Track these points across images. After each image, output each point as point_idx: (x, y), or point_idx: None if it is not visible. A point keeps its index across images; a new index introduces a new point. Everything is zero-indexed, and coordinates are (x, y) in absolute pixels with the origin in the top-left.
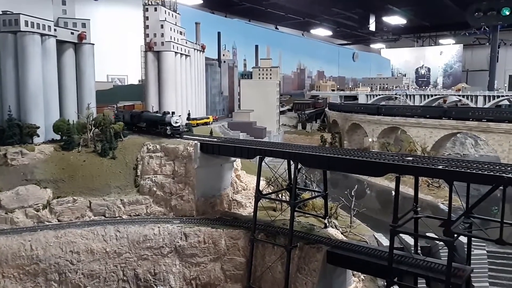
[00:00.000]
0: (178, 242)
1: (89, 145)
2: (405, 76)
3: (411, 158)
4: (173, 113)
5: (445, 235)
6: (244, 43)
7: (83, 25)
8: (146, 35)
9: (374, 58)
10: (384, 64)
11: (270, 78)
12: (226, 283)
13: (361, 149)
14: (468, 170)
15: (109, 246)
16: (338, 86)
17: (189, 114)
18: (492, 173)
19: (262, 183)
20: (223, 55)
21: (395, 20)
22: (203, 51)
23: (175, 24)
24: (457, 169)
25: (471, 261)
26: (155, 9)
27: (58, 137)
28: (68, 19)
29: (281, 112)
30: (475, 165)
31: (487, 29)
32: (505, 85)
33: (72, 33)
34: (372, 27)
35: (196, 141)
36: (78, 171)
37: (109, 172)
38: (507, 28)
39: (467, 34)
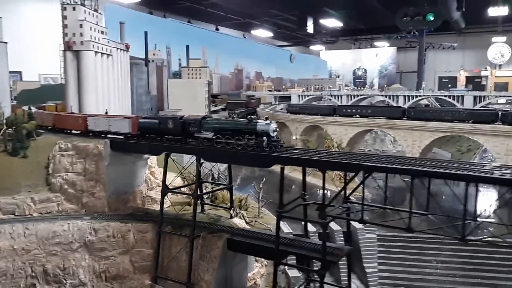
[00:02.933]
0: (87, 237)
1: (3, 145)
2: (338, 77)
3: (297, 151)
4: (266, 118)
5: (320, 218)
6: (179, 43)
7: None
8: (65, 34)
9: (311, 60)
10: (322, 66)
11: (200, 77)
12: (135, 274)
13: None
14: (338, 160)
15: (17, 243)
16: (274, 87)
17: (106, 112)
18: (355, 162)
19: (178, 179)
20: (154, 54)
21: (332, 22)
22: (127, 51)
23: (96, 24)
24: (330, 160)
25: (363, 245)
26: (74, 8)
27: None
28: None
29: (214, 112)
30: (346, 156)
31: (416, 33)
32: (435, 85)
33: None
34: (310, 29)
35: (106, 139)
36: None
37: (19, 171)
38: (436, 33)
39: (399, 37)
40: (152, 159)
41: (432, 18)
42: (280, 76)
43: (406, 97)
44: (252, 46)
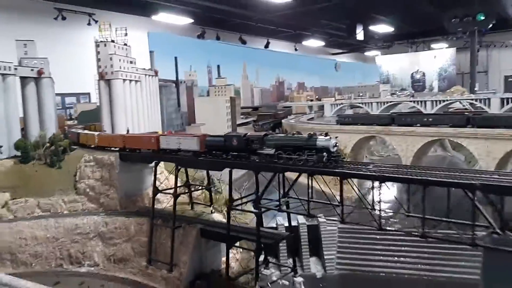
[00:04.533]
0: (100, 228)
1: (42, 158)
2: (384, 83)
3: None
4: (326, 134)
5: (255, 209)
6: (220, 62)
7: (42, 63)
8: (99, 67)
9: (359, 66)
10: (370, 72)
11: (225, 94)
12: (135, 257)
13: None
14: (270, 165)
15: (50, 233)
16: (317, 96)
17: (127, 131)
18: (272, 165)
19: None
20: (190, 75)
21: (383, 28)
22: (156, 75)
23: (126, 56)
24: (262, 164)
25: (324, 235)
26: (105, 45)
27: (18, 153)
28: (28, 59)
29: (245, 124)
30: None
31: (464, 35)
32: (501, 85)
33: (32, 70)
34: (359, 36)
35: (116, 152)
36: (31, 179)
37: (55, 179)
38: (497, 31)
39: (454, 38)
40: (159, 167)
41: (482, 18)
42: (325, 85)
43: (434, 102)
44: (294, 58)
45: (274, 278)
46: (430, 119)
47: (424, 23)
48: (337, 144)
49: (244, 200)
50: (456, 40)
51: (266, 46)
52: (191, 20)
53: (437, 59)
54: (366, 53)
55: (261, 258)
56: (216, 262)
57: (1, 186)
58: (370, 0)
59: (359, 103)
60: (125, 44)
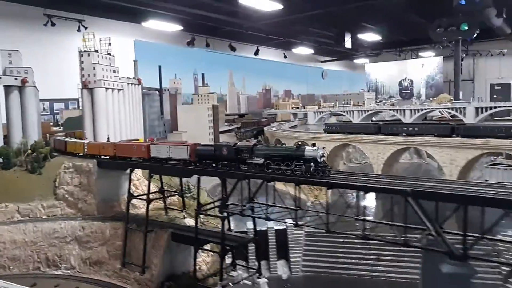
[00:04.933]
0: (77, 232)
1: (23, 165)
2: (369, 91)
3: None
4: (313, 144)
5: (220, 213)
6: (207, 69)
7: (26, 72)
8: (82, 75)
9: (346, 75)
10: (357, 80)
11: (208, 102)
12: (110, 260)
13: None
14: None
15: (28, 237)
16: (302, 104)
17: (108, 139)
18: (235, 172)
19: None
20: (174, 83)
21: (370, 36)
22: (139, 84)
23: (109, 65)
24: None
25: (291, 239)
26: (88, 55)
27: (0, 160)
28: (13, 68)
29: (228, 131)
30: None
31: (449, 44)
32: (487, 93)
33: (15, 79)
34: (347, 44)
35: (94, 159)
36: (12, 185)
37: (35, 185)
38: (483, 40)
39: (441, 47)
40: (137, 174)
41: (466, 28)
42: (312, 93)
43: (412, 111)
44: (281, 66)
45: (238, 279)
46: (416, 129)
47: (411, 32)
48: (324, 155)
49: (215, 205)
50: (443, 49)
51: (256, 53)
52: (181, 27)
53: (424, 67)
54: (355, 61)
55: (230, 260)
56: (186, 264)
57: None
58: (358, 9)
59: (341, 111)
60: (109, 54)
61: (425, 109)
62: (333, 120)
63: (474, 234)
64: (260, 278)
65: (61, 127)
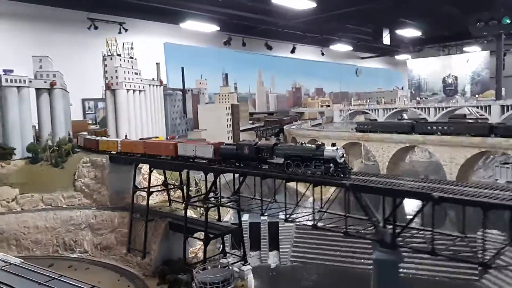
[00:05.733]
0: (90, 220)
1: (48, 159)
2: (402, 88)
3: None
4: (333, 144)
5: (204, 204)
6: (237, 69)
7: (54, 75)
8: (106, 78)
9: (382, 72)
10: (394, 77)
11: (228, 102)
12: (117, 246)
13: None
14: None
15: (48, 223)
16: (333, 101)
17: (126, 136)
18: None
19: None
20: (200, 83)
21: (410, 32)
22: (161, 85)
23: (132, 67)
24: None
25: (281, 231)
26: (111, 59)
27: (30, 155)
28: (43, 72)
29: (250, 129)
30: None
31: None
32: None
33: (45, 82)
34: (386, 40)
35: (107, 155)
36: (37, 177)
37: (57, 177)
38: None
39: (485, 41)
40: (145, 169)
41: (508, 22)
42: (345, 91)
43: (437, 109)
44: (313, 65)
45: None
46: (452, 128)
47: (453, 27)
48: (344, 155)
49: (214, 198)
50: (488, 43)
51: (292, 51)
52: (218, 28)
53: (469, 62)
54: (397, 57)
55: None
56: (185, 252)
57: (13, 182)
58: (395, 5)
59: (366, 109)
60: (131, 57)
61: (449, 107)
62: (361, 118)
63: (400, 224)
64: (245, 265)
65: (98, 126)
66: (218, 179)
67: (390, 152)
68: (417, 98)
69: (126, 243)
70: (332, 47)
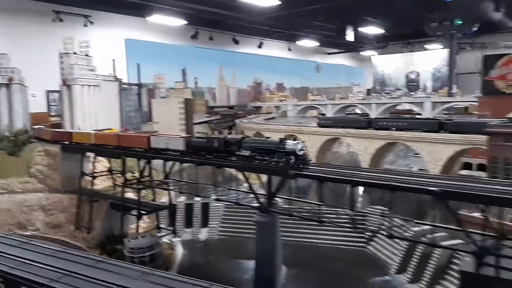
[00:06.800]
0: (43, 202)
1: (6, 149)
2: (359, 85)
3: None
4: (294, 138)
5: (138, 187)
6: (200, 65)
7: (12, 71)
8: (62, 74)
9: (343, 68)
10: (357, 74)
11: (183, 96)
12: (66, 224)
13: None
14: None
15: (4, 205)
16: (293, 96)
17: (78, 129)
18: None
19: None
20: (158, 78)
21: (372, 30)
22: (116, 80)
23: (87, 65)
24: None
25: (212, 210)
26: (67, 56)
27: None
28: (1, 68)
29: (205, 122)
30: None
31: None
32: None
33: (3, 78)
34: (349, 37)
35: (58, 144)
36: None
37: (13, 165)
38: (489, 33)
39: (443, 40)
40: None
41: (460, 23)
42: (306, 86)
43: (377, 105)
44: (272, 60)
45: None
46: (405, 123)
47: (413, 25)
48: (303, 148)
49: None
50: (448, 41)
51: (260, 46)
52: (185, 22)
53: (431, 59)
54: (362, 53)
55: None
56: (124, 228)
57: None
58: (357, 3)
59: (316, 104)
60: (87, 55)
61: (387, 103)
62: (314, 112)
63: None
64: (174, 238)
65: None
66: (153, 165)
67: (318, 143)
68: (372, 94)
69: (74, 221)
70: (299, 42)
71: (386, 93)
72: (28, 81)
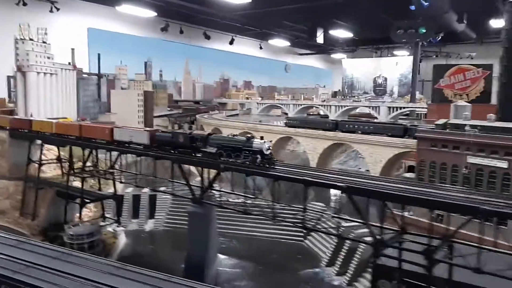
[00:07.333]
0: None
1: None
2: (324, 87)
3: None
4: (261, 137)
5: (80, 176)
6: (164, 58)
7: None
8: (17, 60)
9: (312, 70)
10: (325, 75)
11: (142, 88)
12: (11, 210)
13: None
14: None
15: None
16: (260, 95)
17: (31, 115)
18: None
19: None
20: (120, 69)
21: (342, 33)
22: (74, 70)
23: (45, 52)
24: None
25: (158, 202)
26: (23, 43)
27: None
28: None
29: (165, 115)
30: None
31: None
32: None
33: None
34: (319, 39)
35: (6, 130)
36: None
37: None
38: (453, 42)
39: (409, 47)
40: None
41: (424, 31)
42: (274, 85)
43: (337, 107)
44: (241, 58)
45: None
46: (371, 127)
47: (382, 31)
48: (270, 148)
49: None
50: (411, 48)
51: (231, 42)
52: (155, 13)
53: (398, 65)
54: (333, 56)
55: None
56: (69, 216)
57: None
58: (327, 6)
59: (279, 104)
60: (44, 42)
61: (346, 106)
62: (278, 111)
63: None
64: (118, 227)
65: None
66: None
67: (272, 141)
68: (338, 96)
69: (19, 208)
70: (270, 41)
71: (351, 96)
72: None
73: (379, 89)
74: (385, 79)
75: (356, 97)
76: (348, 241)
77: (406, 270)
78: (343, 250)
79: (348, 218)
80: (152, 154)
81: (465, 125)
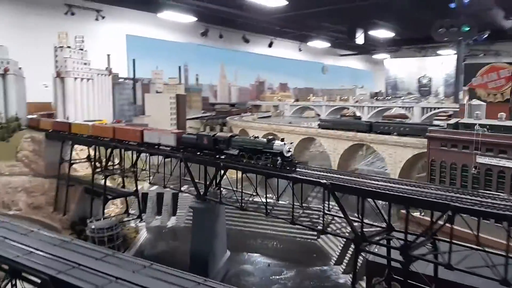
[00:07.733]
0: (26, 185)
1: None
2: (362, 87)
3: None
4: (282, 139)
5: (105, 174)
6: (201, 62)
7: (8, 62)
8: (56, 66)
9: (349, 70)
10: (361, 76)
11: (176, 91)
12: (46, 205)
13: None
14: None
15: None
16: (296, 97)
17: (67, 118)
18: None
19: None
20: (156, 73)
21: (383, 33)
22: (110, 74)
23: (81, 58)
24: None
25: (180, 201)
26: (61, 50)
27: None
28: None
29: (198, 118)
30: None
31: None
32: None
33: None
34: (359, 40)
35: (44, 132)
36: None
37: (3, 150)
38: (499, 41)
39: (455, 46)
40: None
41: (467, 29)
42: (310, 87)
43: (369, 108)
44: (277, 61)
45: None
46: (407, 129)
47: (423, 30)
48: (290, 150)
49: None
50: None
51: (270, 45)
52: (195, 19)
53: (444, 65)
54: (375, 56)
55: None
56: (98, 212)
57: None
58: (366, 6)
59: (311, 105)
60: (81, 49)
61: (379, 106)
62: (312, 113)
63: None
64: (140, 222)
65: None
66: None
67: (295, 142)
68: (379, 97)
69: (53, 203)
70: (310, 43)
71: (395, 97)
72: (42, 72)
73: (424, 89)
74: (430, 79)
75: (390, 97)
76: None
77: (395, 268)
78: (351, 249)
79: (339, 215)
80: (178, 156)
81: (475, 124)
